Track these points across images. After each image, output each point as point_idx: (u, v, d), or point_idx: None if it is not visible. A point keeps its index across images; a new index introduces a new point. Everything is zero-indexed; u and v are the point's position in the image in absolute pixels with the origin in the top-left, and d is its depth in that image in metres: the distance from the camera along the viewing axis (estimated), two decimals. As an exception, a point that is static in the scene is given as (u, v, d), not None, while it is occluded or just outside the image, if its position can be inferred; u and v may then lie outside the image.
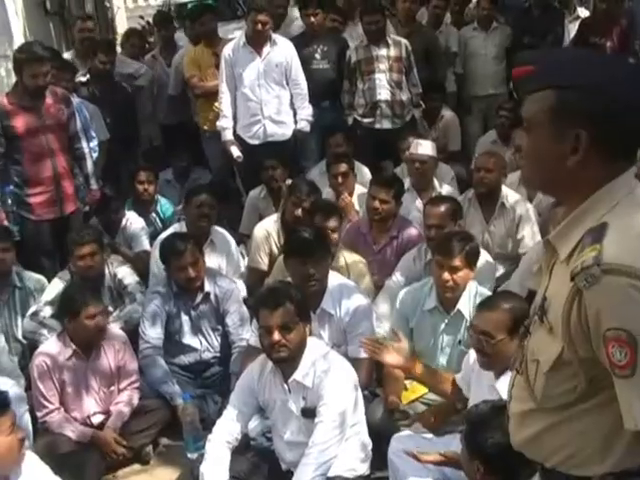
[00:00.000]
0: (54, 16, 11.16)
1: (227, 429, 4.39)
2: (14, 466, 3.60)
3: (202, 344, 5.78)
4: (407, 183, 6.77)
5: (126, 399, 5.33)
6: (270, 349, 4.20)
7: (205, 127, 8.22)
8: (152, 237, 7.07)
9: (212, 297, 5.74)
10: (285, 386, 4.27)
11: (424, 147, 6.77)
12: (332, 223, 5.74)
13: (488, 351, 3.89)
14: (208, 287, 5.73)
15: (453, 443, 3.99)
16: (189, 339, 5.76)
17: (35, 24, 11.29)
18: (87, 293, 5.21)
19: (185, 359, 5.76)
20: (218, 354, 5.79)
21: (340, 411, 4.15)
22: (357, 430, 4.33)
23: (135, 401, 5.37)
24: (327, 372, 4.19)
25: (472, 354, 4.27)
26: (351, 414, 4.23)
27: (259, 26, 7.31)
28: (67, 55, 8.95)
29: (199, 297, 5.72)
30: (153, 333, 5.64)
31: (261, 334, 4.26)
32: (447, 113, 8.60)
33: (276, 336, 4.14)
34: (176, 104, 8.78)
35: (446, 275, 4.77)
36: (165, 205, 7.68)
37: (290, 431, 4.32)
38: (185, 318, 5.74)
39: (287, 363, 4.23)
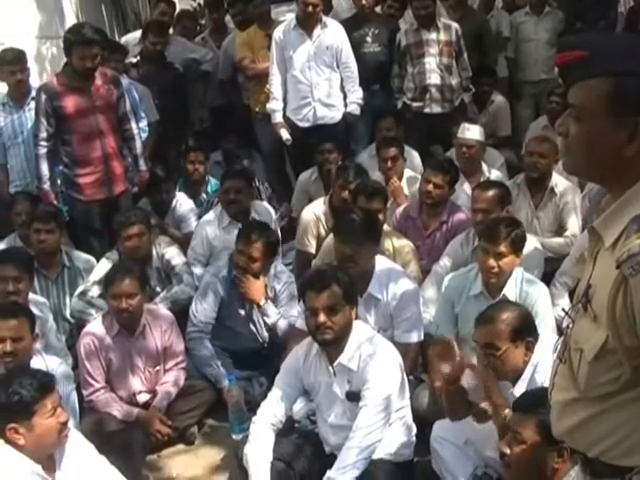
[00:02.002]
0: (107, -1, 11.21)
1: (272, 411, 4.38)
2: (54, 448, 3.61)
3: (252, 333, 5.75)
4: (455, 167, 6.71)
5: (172, 379, 5.36)
6: (315, 331, 4.19)
7: (257, 109, 8.19)
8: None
9: (269, 288, 5.72)
10: (330, 369, 4.26)
11: (472, 131, 6.73)
12: (375, 205, 5.70)
13: (497, 363, 3.92)
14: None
15: (494, 434, 3.97)
16: (241, 327, 5.74)
17: (88, 6, 11.38)
18: (122, 273, 5.20)
19: (233, 345, 5.74)
20: (266, 344, 5.78)
21: (385, 395, 4.13)
22: (402, 415, 4.31)
23: (181, 382, 5.39)
24: (372, 356, 4.18)
25: None
26: (396, 399, 4.21)
27: (310, 8, 7.26)
28: (129, 38, 9.03)
29: None
30: (203, 315, 5.67)
31: (307, 316, 4.26)
32: (498, 98, 8.53)
33: (322, 318, 4.13)
34: (225, 87, 8.76)
35: (491, 261, 4.73)
36: (215, 186, 7.69)
37: (334, 414, 4.31)
38: (239, 305, 5.73)
39: (332, 346, 4.22)
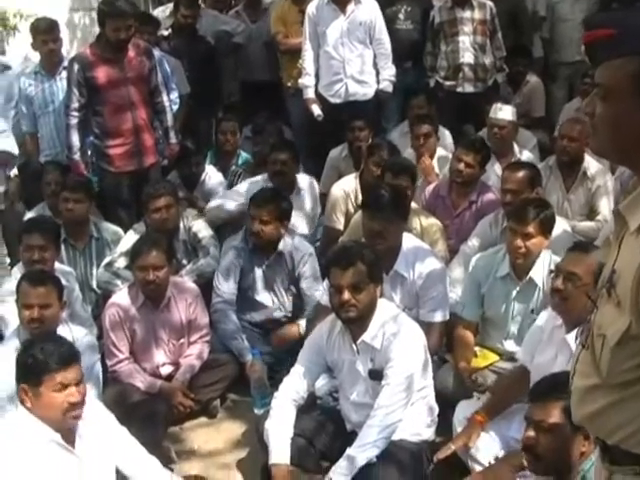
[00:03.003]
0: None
1: (294, 387, 4.38)
2: (58, 424, 3.54)
3: (274, 302, 5.79)
4: (487, 147, 6.66)
5: (196, 352, 5.36)
6: (339, 308, 4.17)
7: (289, 84, 8.17)
8: (232, 190, 7.11)
9: (287, 257, 5.73)
10: (354, 347, 4.24)
11: (504, 112, 6.68)
12: (402, 182, 5.66)
13: (569, 294, 3.87)
14: (282, 247, 5.71)
15: (518, 413, 3.95)
16: (261, 296, 5.78)
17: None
18: (150, 245, 5.21)
19: (256, 316, 5.79)
20: (289, 314, 5.81)
21: (407, 375, 4.11)
22: (424, 394, 4.29)
23: (205, 355, 5.40)
24: (396, 335, 4.16)
25: (542, 316, 4.27)
26: (419, 378, 4.19)
27: (343, -17, 7.23)
28: (159, 11, 9.01)
29: (272, 256, 5.72)
30: (226, 287, 5.67)
31: (331, 293, 4.23)
32: (532, 79, 8.44)
33: (346, 296, 4.10)
34: (258, 61, 8.72)
35: (519, 242, 4.68)
36: (245, 160, 7.69)
37: (356, 392, 4.30)
38: (258, 274, 5.75)
39: (356, 324, 4.20)
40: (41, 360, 3.50)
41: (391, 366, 4.11)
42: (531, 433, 3.30)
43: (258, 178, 6.77)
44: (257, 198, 5.73)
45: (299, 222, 6.62)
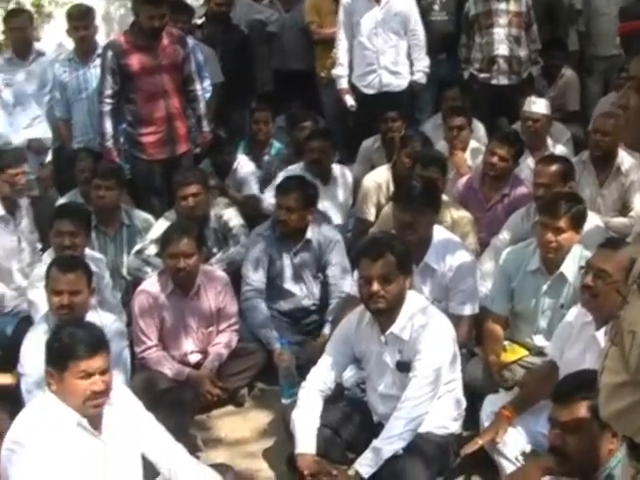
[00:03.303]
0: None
1: (321, 377, 4.38)
2: (79, 411, 3.52)
3: (302, 291, 5.80)
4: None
5: (225, 341, 5.36)
6: (368, 300, 4.16)
7: (322, 74, 8.17)
8: (265, 180, 7.14)
9: (315, 245, 5.74)
10: (382, 338, 4.23)
11: (538, 105, 6.63)
12: (432, 174, 5.64)
13: (599, 291, 3.84)
14: (310, 235, 5.73)
15: (546, 408, 3.91)
16: (289, 284, 5.79)
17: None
18: (180, 233, 5.22)
19: (285, 305, 5.80)
20: (317, 302, 5.82)
21: (435, 367, 4.10)
22: (452, 387, 4.27)
23: (233, 343, 5.40)
24: (425, 327, 4.15)
25: (572, 312, 4.24)
26: (447, 371, 4.18)
27: (378, -27, 7.20)
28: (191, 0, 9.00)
29: (300, 243, 5.73)
30: (255, 276, 5.68)
31: (360, 284, 4.23)
32: (567, 72, 8.35)
33: (375, 287, 4.09)
34: (293, 50, 8.71)
35: (549, 236, 4.64)
36: (278, 149, 7.69)
37: (384, 384, 4.29)
38: (286, 263, 5.76)
39: (385, 315, 4.19)
40: (68, 345, 3.50)
41: (419, 358, 4.10)
42: (558, 434, 3.26)
43: (294, 167, 6.78)
44: (283, 186, 5.78)
45: (332, 212, 6.67)
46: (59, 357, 3.49)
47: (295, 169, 6.71)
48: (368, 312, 4.27)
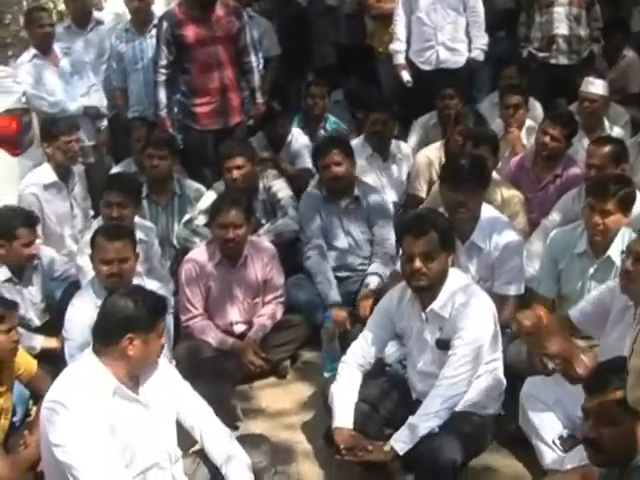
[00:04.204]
0: None
1: (361, 352, 4.38)
2: (152, 367, 3.66)
3: (350, 246, 5.89)
4: (576, 122, 6.53)
5: (269, 312, 5.41)
6: (410, 277, 4.14)
7: (380, 49, 8.12)
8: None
9: (363, 202, 5.86)
10: (423, 315, 4.21)
11: (595, 86, 6.53)
12: (482, 152, 5.59)
13: (638, 275, 3.76)
14: (358, 192, 5.84)
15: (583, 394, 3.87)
16: (337, 240, 5.89)
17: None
18: (229, 204, 5.25)
19: (333, 262, 5.85)
20: (366, 260, 5.89)
21: (475, 346, 4.07)
22: (492, 367, 4.24)
23: (278, 315, 5.44)
24: (465, 305, 4.11)
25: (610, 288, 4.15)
26: (487, 351, 4.15)
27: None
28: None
29: (347, 200, 5.84)
30: (313, 234, 5.82)
31: (403, 261, 4.20)
32: (629, 53, 8.17)
33: (417, 264, 4.07)
34: (351, 24, 8.67)
35: (597, 218, 4.57)
36: (333, 124, 7.67)
37: (423, 361, 4.27)
38: (335, 218, 5.88)
39: (426, 292, 4.17)
40: (153, 309, 3.58)
41: (459, 336, 4.08)
42: (591, 426, 3.20)
43: (355, 141, 6.79)
44: (325, 144, 5.98)
45: (388, 190, 6.64)
46: (148, 319, 3.55)
47: (356, 143, 6.71)
48: (410, 288, 4.25)
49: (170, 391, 3.73)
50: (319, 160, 5.89)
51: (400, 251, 4.55)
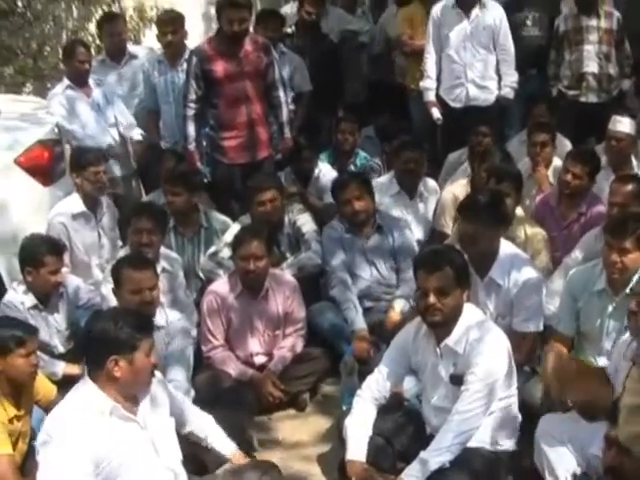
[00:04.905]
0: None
1: (376, 386, 4.42)
2: (143, 387, 3.75)
3: (372, 275, 5.96)
4: (604, 160, 6.51)
5: (290, 345, 5.45)
6: (424, 312, 4.17)
7: (412, 86, 8.17)
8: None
9: (387, 235, 5.94)
10: (437, 350, 4.23)
11: (622, 124, 6.50)
12: (504, 188, 5.60)
13: None
14: (380, 220, 5.95)
15: (601, 430, 3.86)
16: (361, 270, 5.94)
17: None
18: (251, 235, 5.33)
19: (362, 293, 5.90)
20: (389, 289, 5.95)
21: (488, 382, 4.08)
22: (506, 404, 4.25)
23: (299, 348, 5.48)
24: (479, 341, 4.13)
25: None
26: (500, 387, 4.15)
27: (468, -13, 7.20)
28: (287, 8, 9.11)
29: (370, 233, 5.94)
30: (337, 266, 5.87)
31: (417, 296, 4.24)
32: (661, 91, 8.19)
33: (431, 299, 4.10)
34: (380, 62, 8.74)
35: (615, 256, 4.56)
36: (364, 159, 7.71)
37: (438, 396, 4.29)
38: (359, 249, 5.95)
39: (440, 327, 4.20)
40: (132, 330, 3.64)
41: (472, 372, 4.09)
42: (614, 455, 3.20)
43: (384, 178, 6.86)
44: (344, 179, 6.14)
45: (414, 227, 6.65)
46: (129, 341, 3.63)
47: (383, 180, 6.76)
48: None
49: (166, 406, 3.85)
50: (339, 195, 5.99)
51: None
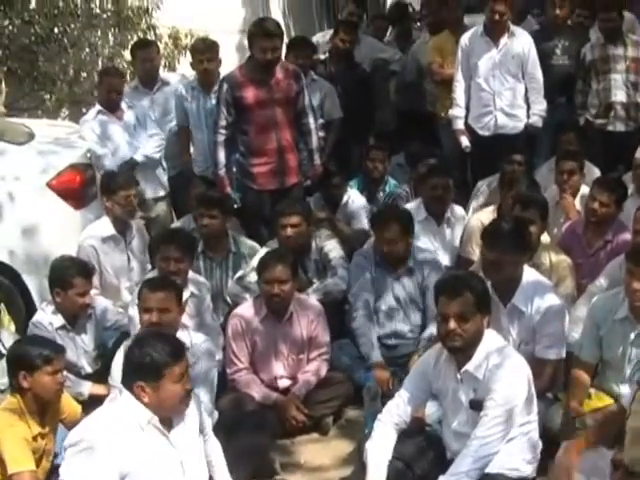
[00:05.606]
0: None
1: (397, 411, 4.43)
2: (174, 412, 3.80)
3: (400, 315, 5.89)
4: (631, 188, 6.52)
5: (314, 369, 5.49)
6: (445, 337, 4.20)
7: (442, 114, 8.19)
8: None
9: (416, 272, 5.86)
10: (457, 375, 4.25)
11: (649, 152, 6.52)
12: (529, 215, 5.61)
13: None
14: (412, 264, 5.87)
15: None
16: (388, 309, 5.89)
17: (297, 3, 11.69)
18: (276, 260, 5.39)
19: (381, 330, 5.88)
20: (414, 329, 5.90)
21: (507, 408, 4.09)
22: (526, 430, 4.24)
23: (323, 372, 5.52)
24: (499, 367, 4.15)
25: None
26: (520, 413, 4.16)
27: (497, 16, 7.26)
28: (318, 36, 9.22)
29: (402, 270, 5.87)
30: (362, 298, 5.83)
31: (438, 321, 4.27)
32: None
33: (452, 325, 4.13)
34: (411, 91, 8.80)
35: (636, 284, 4.57)
36: (394, 187, 7.74)
37: (458, 421, 4.30)
38: (387, 287, 5.89)
39: (461, 353, 4.22)
40: (157, 357, 3.68)
41: (491, 397, 4.10)
42: (621, 478, 3.22)
43: (412, 204, 6.88)
44: (386, 218, 5.90)
45: (441, 253, 6.68)
46: (154, 369, 3.68)
47: (411, 206, 6.80)
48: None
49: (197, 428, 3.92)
50: (379, 231, 5.89)
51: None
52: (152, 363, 3.68)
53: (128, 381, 3.73)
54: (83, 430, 3.67)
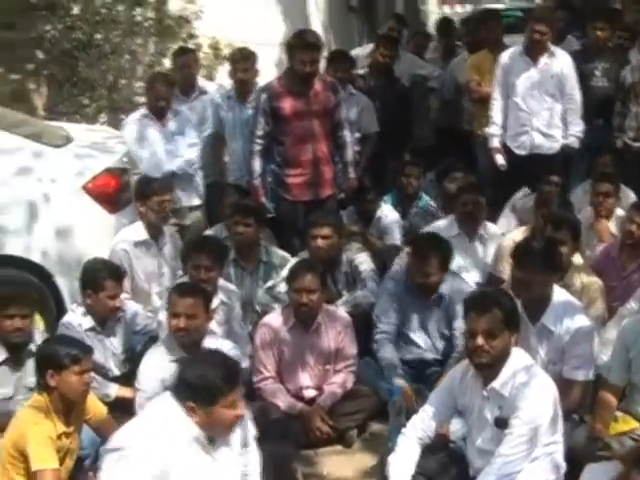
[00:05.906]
0: (359, 12, 11.52)
1: (421, 425, 4.43)
2: (222, 435, 3.80)
3: (426, 343, 5.83)
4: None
5: (340, 380, 5.48)
6: (472, 353, 4.20)
7: (479, 132, 8.21)
8: (410, 232, 7.19)
9: (446, 299, 5.76)
10: (484, 393, 4.24)
11: (686, 176, 6.47)
12: (560, 236, 5.58)
13: None
14: (443, 289, 5.76)
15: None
16: (415, 335, 5.83)
17: (336, 16, 11.75)
18: (305, 269, 5.41)
19: (407, 354, 5.82)
20: (440, 357, 5.81)
21: (531, 427, 4.08)
22: (550, 450, 4.22)
23: (349, 384, 5.51)
24: (526, 385, 4.14)
25: None
26: (545, 433, 4.14)
27: (537, 35, 7.25)
28: (358, 50, 9.25)
29: (432, 298, 5.77)
30: (386, 319, 5.77)
31: (466, 337, 4.27)
32: None
33: (479, 341, 4.12)
34: (449, 108, 8.81)
35: (665, 307, 4.55)
36: (425, 202, 7.74)
37: (482, 438, 4.28)
38: (416, 313, 5.81)
39: (487, 370, 4.21)
40: (213, 384, 3.66)
41: (516, 416, 4.09)
42: None
43: (443, 221, 6.88)
44: (425, 249, 5.72)
45: (472, 270, 6.66)
46: (209, 394, 3.66)
47: (444, 222, 6.79)
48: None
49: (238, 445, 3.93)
50: (416, 259, 5.73)
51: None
52: (207, 388, 3.66)
53: (180, 397, 3.70)
54: (126, 437, 3.66)
